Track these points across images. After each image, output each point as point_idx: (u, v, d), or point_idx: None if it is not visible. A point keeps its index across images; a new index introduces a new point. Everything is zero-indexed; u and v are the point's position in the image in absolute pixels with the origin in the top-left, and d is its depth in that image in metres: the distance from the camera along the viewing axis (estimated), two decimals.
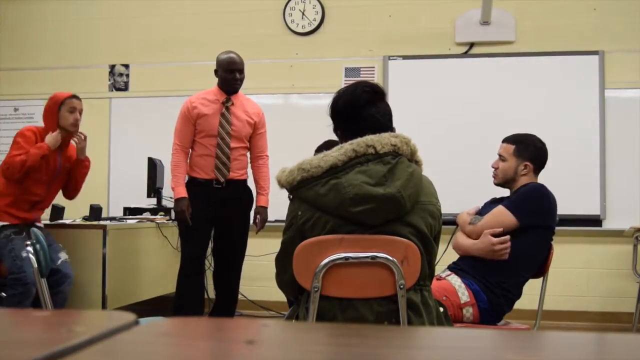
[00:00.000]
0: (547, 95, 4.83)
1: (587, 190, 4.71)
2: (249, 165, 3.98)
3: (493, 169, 2.91)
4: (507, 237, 2.65)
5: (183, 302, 3.78)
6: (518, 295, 2.74)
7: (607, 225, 4.72)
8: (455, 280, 2.68)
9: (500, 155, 2.89)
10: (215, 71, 3.85)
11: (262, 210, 3.92)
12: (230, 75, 3.78)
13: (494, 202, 2.97)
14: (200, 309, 3.95)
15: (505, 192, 2.98)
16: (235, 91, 3.85)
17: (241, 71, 3.82)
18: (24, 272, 3.44)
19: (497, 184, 2.93)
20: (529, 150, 2.85)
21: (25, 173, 3.53)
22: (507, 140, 2.92)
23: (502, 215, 2.70)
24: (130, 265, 4.29)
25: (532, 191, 2.78)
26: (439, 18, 5.03)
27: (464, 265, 2.74)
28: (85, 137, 3.74)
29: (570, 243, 4.58)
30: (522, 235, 2.69)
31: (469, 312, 2.61)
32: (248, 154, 3.95)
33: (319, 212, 1.85)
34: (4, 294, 3.48)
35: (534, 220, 2.72)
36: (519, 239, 2.69)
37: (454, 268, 2.79)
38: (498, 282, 2.66)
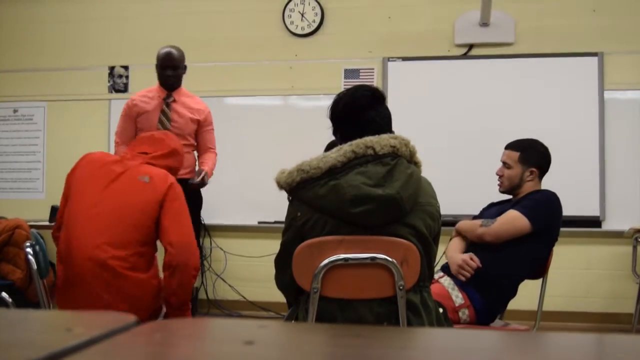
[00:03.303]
0: (547, 96, 4.83)
1: (587, 191, 4.71)
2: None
3: (498, 177, 2.89)
4: (474, 264, 2.64)
5: None
6: (513, 294, 2.74)
7: (607, 226, 4.72)
8: (448, 283, 2.67)
9: (504, 163, 2.86)
10: (156, 66, 3.78)
11: (204, 172, 3.73)
12: (162, 71, 3.71)
13: (493, 207, 2.97)
14: None
15: (503, 196, 2.97)
16: (171, 88, 3.75)
17: (175, 67, 3.71)
18: None
19: (503, 192, 2.91)
20: (535, 156, 2.83)
21: None
22: (510, 147, 2.88)
23: (517, 220, 2.69)
24: None
25: (548, 199, 2.77)
26: (438, 19, 5.03)
27: None
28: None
29: (569, 244, 4.57)
30: (528, 240, 2.69)
31: (464, 314, 2.61)
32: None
33: (318, 213, 1.85)
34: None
35: (545, 228, 2.72)
36: (525, 243, 2.69)
37: (446, 268, 2.79)
38: (494, 281, 2.66)
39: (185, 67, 3.86)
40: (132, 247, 2.35)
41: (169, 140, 2.71)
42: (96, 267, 2.29)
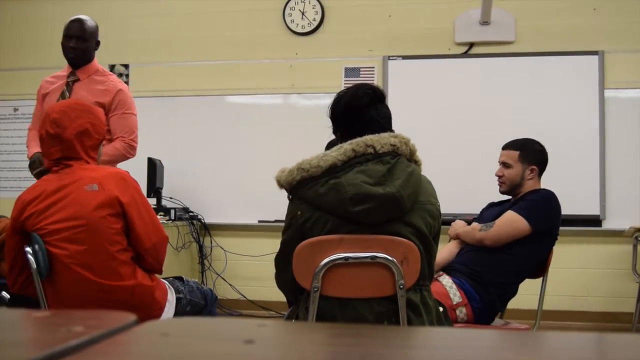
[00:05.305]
0: (547, 95, 4.83)
1: (587, 190, 4.71)
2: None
3: (497, 177, 2.88)
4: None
5: None
6: (513, 293, 2.74)
7: (607, 225, 4.72)
8: (447, 281, 2.67)
9: (504, 163, 2.85)
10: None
11: None
12: (65, 41, 3.22)
13: (492, 207, 2.97)
14: None
15: (502, 196, 2.97)
16: (73, 63, 3.26)
17: (81, 39, 3.20)
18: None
19: (503, 192, 2.91)
20: (533, 154, 2.84)
21: None
22: (509, 146, 2.88)
23: (516, 222, 2.69)
24: None
25: (546, 199, 2.77)
26: (438, 18, 5.03)
27: (458, 265, 2.74)
28: None
29: (569, 243, 4.57)
30: (528, 240, 2.69)
31: (462, 312, 2.61)
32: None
33: (319, 211, 1.85)
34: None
35: (545, 228, 2.72)
36: (525, 243, 2.68)
37: (446, 267, 2.79)
38: (494, 281, 2.65)
39: (97, 43, 3.34)
40: None
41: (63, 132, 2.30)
42: None
